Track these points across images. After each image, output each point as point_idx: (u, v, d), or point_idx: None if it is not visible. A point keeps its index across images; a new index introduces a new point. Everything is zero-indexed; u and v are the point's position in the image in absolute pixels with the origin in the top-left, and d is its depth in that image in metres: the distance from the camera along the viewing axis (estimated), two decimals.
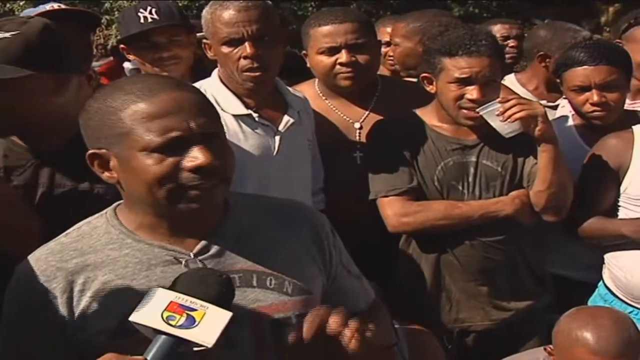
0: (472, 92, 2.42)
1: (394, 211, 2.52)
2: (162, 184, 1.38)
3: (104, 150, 1.44)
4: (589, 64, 2.66)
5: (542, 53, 3.49)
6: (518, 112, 2.39)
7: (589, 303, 2.67)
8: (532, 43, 3.66)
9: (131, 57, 2.89)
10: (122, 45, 2.89)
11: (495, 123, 2.43)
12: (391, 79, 3.30)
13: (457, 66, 2.43)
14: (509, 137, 2.45)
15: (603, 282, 2.66)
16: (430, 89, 2.55)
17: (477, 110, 2.43)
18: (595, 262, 2.68)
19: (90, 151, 1.46)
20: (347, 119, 2.77)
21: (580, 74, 2.68)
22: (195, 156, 1.38)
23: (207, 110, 1.45)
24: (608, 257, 2.63)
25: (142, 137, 1.38)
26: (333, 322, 1.34)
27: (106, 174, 1.46)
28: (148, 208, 1.44)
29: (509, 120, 2.39)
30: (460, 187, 2.54)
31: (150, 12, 2.76)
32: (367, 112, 2.77)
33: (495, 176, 2.53)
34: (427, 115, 2.61)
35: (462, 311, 2.60)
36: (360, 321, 1.36)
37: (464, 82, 2.43)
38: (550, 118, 2.91)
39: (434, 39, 2.56)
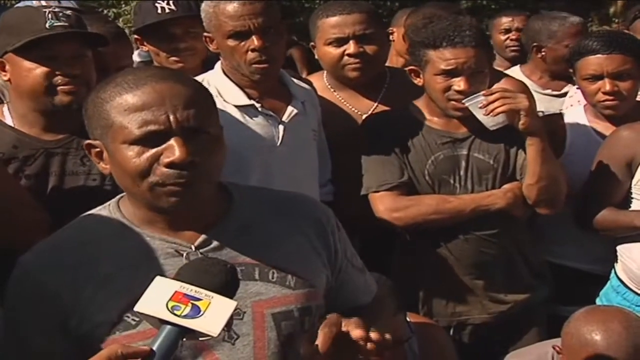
0: (459, 83, 2.40)
1: (385, 206, 2.50)
2: (143, 178, 1.37)
3: (98, 141, 1.44)
4: (602, 52, 2.63)
5: (535, 44, 3.54)
6: (500, 106, 2.36)
7: (601, 295, 2.65)
8: (527, 36, 3.73)
9: (144, 47, 2.88)
10: (136, 36, 2.88)
11: (480, 115, 2.41)
12: (400, 71, 3.27)
13: (442, 58, 2.40)
14: (495, 130, 2.42)
15: (615, 273, 2.63)
16: (418, 81, 2.52)
17: (463, 101, 2.40)
18: (606, 253, 2.65)
19: (86, 141, 1.47)
20: (356, 110, 2.76)
21: (593, 62, 2.65)
22: (171, 151, 1.34)
23: (196, 103, 1.38)
24: (620, 248, 2.60)
25: (122, 129, 1.36)
26: (356, 334, 1.33)
27: (102, 164, 1.46)
28: (140, 201, 1.43)
29: (491, 113, 2.37)
30: (452, 181, 2.51)
31: (168, 3, 2.75)
32: (375, 104, 2.76)
33: (488, 169, 2.50)
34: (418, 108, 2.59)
35: (459, 305, 2.58)
36: (379, 331, 1.35)
37: (450, 73, 2.41)
38: (557, 107, 2.90)
39: (418, 31, 2.53)
